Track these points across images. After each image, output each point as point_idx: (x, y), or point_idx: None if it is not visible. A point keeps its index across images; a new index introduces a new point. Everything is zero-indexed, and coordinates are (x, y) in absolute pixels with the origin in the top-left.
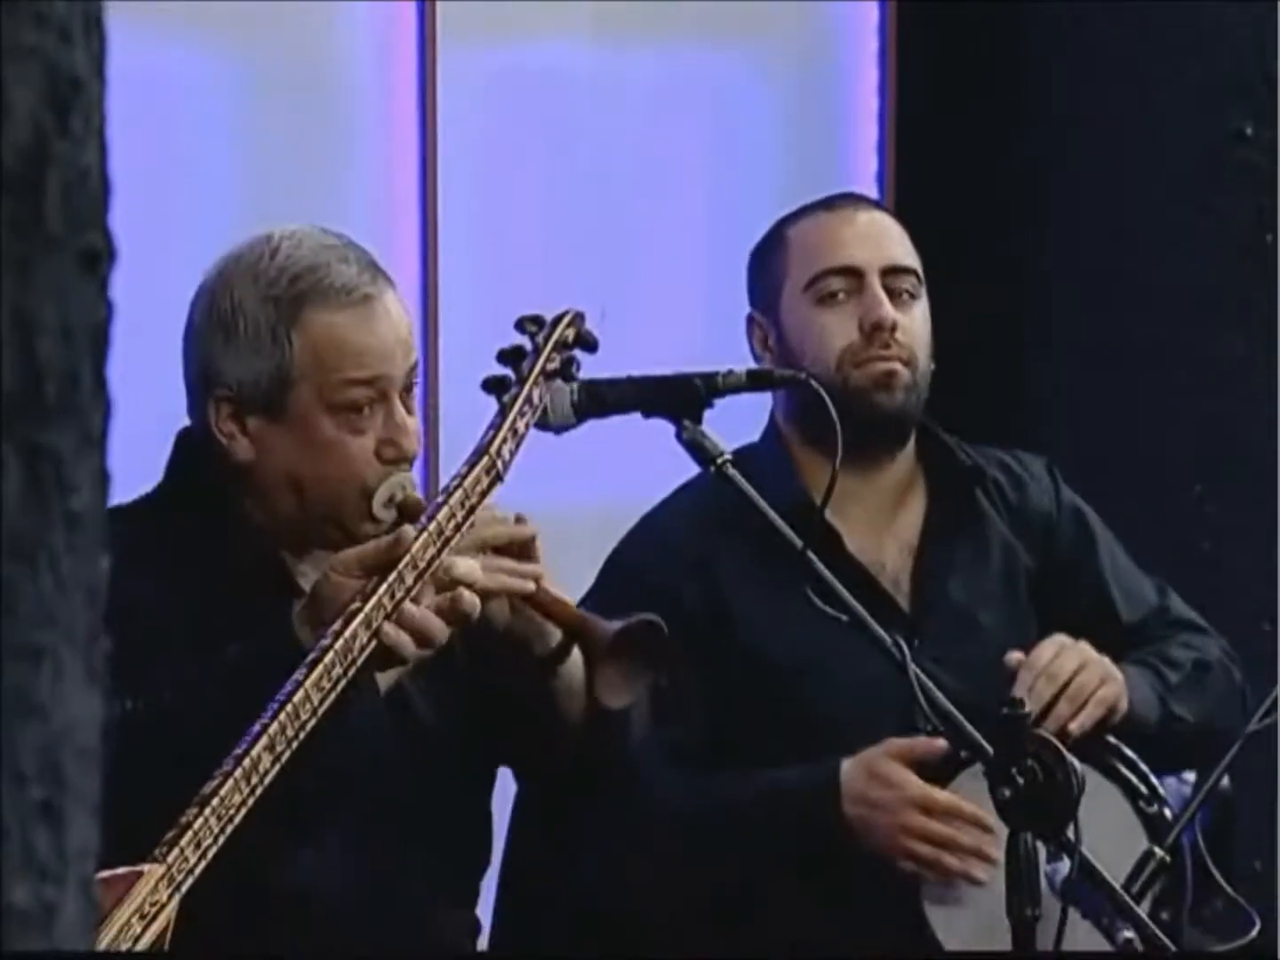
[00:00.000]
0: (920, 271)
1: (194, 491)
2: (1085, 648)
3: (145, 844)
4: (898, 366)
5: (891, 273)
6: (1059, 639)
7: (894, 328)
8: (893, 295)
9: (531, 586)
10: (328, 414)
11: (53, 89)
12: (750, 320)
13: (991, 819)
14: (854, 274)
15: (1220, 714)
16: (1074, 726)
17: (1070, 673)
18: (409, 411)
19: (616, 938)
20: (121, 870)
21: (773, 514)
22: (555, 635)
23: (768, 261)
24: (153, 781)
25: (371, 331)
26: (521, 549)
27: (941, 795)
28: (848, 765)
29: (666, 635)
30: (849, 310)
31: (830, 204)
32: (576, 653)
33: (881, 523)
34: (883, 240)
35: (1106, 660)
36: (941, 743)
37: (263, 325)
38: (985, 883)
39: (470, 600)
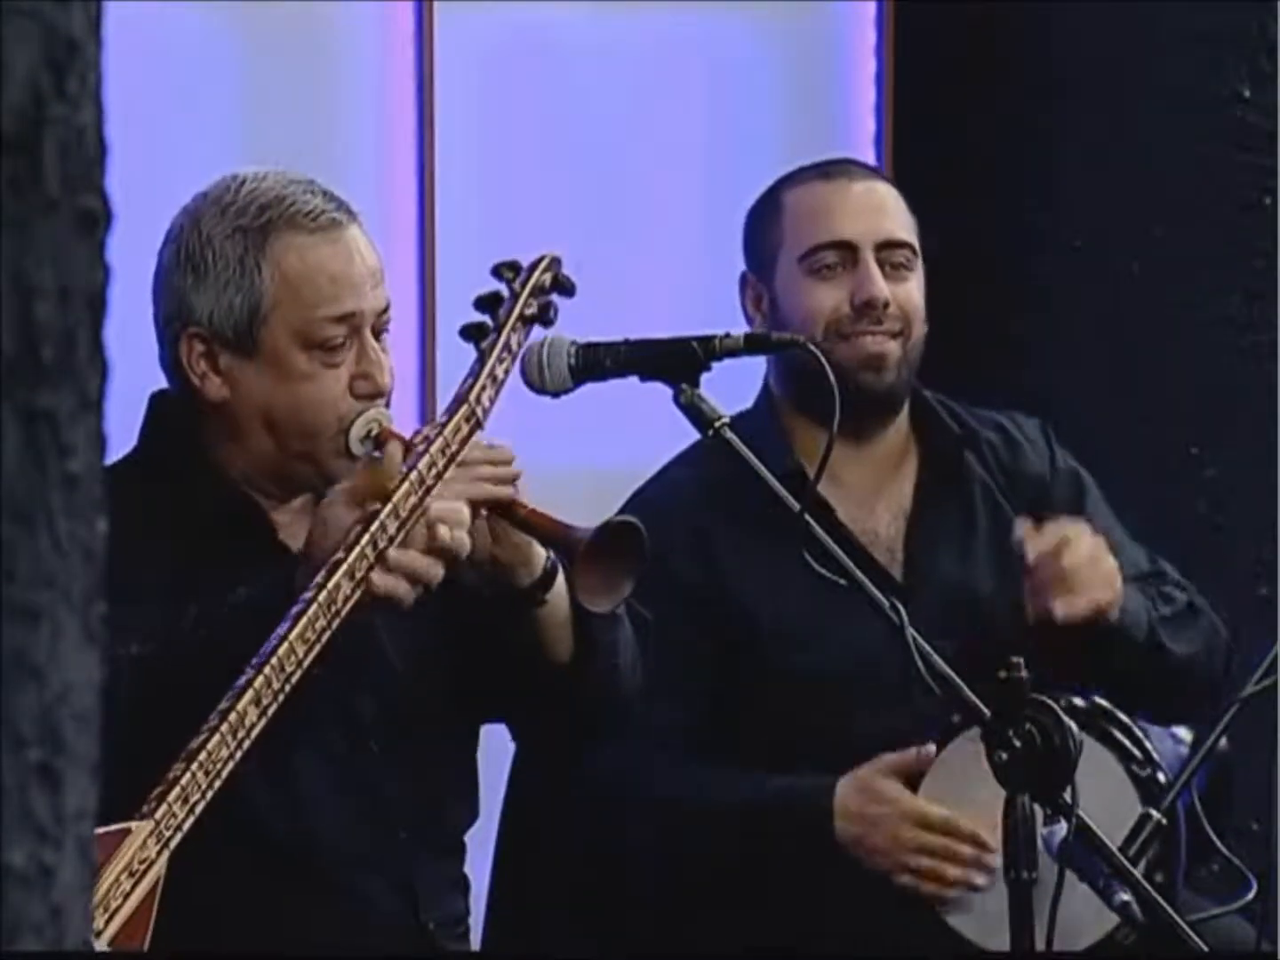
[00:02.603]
0: (915, 243)
1: (170, 448)
2: (1098, 544)
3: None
4: (888, 345)
5: (886, 246)
6: (1077, 527)
7: (886, 304)
8: (887, 268)
9: (511, 491)
10: (301, 348)
11: (49, 50)
12: (744, 280)
13: (987, 833)
14: (848, 248)
15: (1205, 658)
16: (1061, 612)
17: (1075, 564)
18: (382, 349)
19: (616, 896)
20: (110, 828)
21: (770, 477)
22: (539, 563)
23: (763, 225)
24: (162, 724)
25: (340, 257)
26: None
27: (936, 811)
28: (842, 783)
29: (644, 536)
30: (842, 282)
31: (827, 173)
32: (561, 583)
33: (875, 490)
34: (878, 213)
35: (1114, 563)
36: (931, 749)
37: (231, 257)
38: (986, 888)
39: (448, 534)
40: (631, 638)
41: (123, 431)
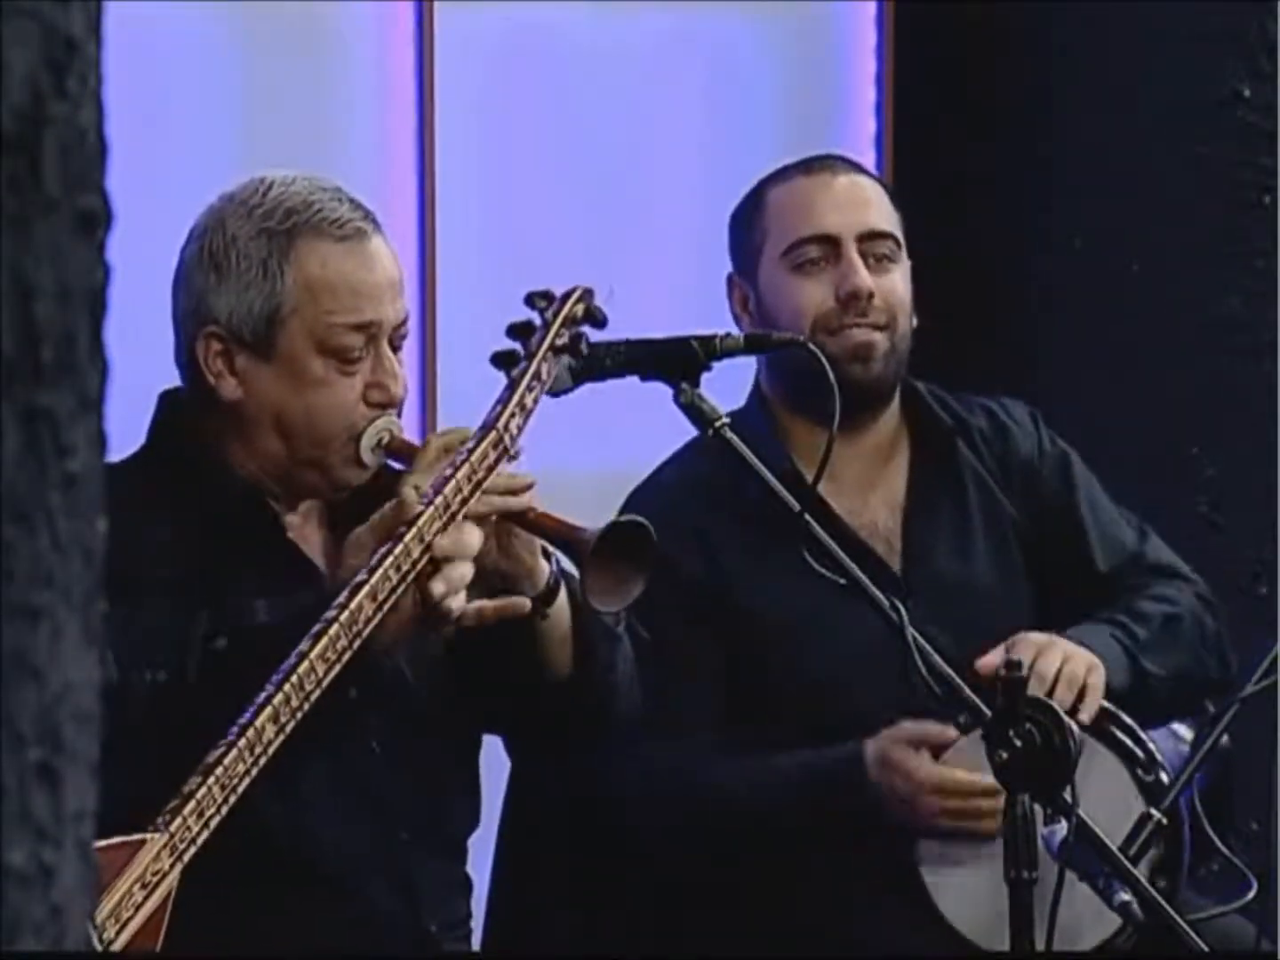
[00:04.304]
0: (899, 235)
1: (180, 447)
2: (1058, 641)
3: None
4: (874, 336)
5: (869, 238)
6: (1032, 638)
7: (870, 296)
8: (871, 260)
9: (527, 501)
10: (317, 353)
11: (49, 50)
12: (730, 281)
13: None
14: (831, 242)
15: (1193, 665)
16: (1084, 717)
17: (1056, 669)
18: (398, 362)
19: (616, 895)
20: (124, 838)
21: (770, 477)
22: (543, 577)
23: (747, 224)
24: (182, 750)
25: (363, 267)
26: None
27: (953, 777)
28: (868, 748)
29: (653, 536)
30: (826, 277)
31: (808, 168)
32: (563, 598)
33: (869, 483)
34: (860, 206)
35: (1080, 649)
36: (953, 731)
37: (255, 258)
38: None
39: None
40: (630, 656)
41: (124, 430)
